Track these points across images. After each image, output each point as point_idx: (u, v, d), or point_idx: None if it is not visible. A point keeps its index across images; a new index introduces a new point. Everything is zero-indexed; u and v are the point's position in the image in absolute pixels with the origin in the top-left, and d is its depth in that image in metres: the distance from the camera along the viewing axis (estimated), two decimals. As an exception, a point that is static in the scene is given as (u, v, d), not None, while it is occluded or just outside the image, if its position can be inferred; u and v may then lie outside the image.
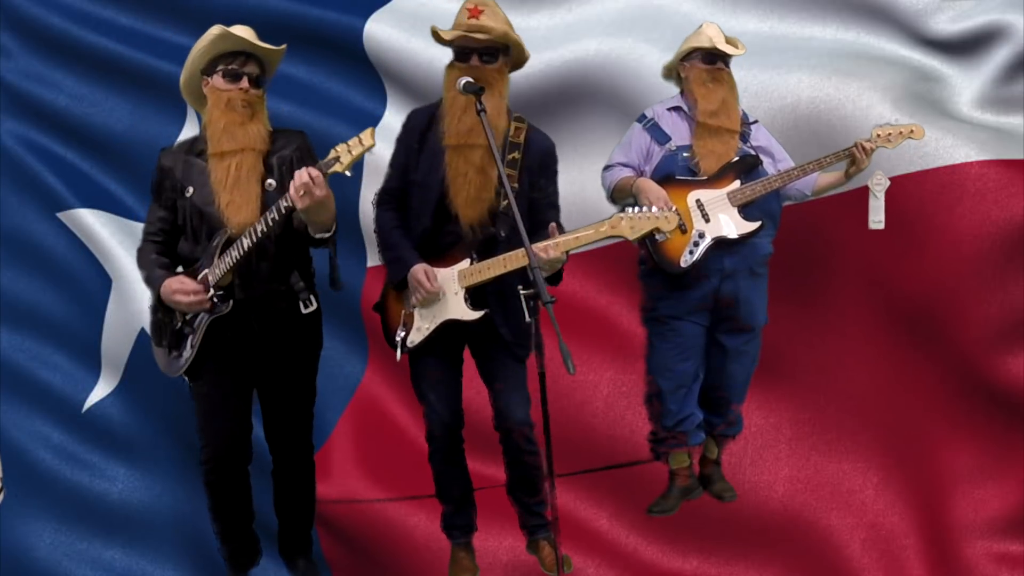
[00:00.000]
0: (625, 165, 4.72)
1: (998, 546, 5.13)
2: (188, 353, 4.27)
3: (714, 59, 4.69)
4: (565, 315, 3.95)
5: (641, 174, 4.62)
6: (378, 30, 5.25)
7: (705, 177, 4.61)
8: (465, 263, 4.18)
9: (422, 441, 4.48)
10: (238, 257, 4.14)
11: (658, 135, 4.69)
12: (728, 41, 4.72)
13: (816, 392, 5.25)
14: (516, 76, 5.21)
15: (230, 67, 4.25)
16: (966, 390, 5.15)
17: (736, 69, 4.98)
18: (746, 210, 4.63)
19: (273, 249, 4.19)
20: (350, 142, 4.00)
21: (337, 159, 3.99)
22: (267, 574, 4.78)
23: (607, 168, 4.76)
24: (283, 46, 4.36)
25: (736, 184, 4.63)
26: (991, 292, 5.09)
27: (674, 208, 4.56)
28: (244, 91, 4.24)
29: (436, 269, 4.18)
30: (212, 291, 4.18)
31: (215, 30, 4.26)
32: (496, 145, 4.01)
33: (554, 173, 4.33)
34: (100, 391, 5.32)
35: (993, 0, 5.31)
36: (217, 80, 4.26)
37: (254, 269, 4.19)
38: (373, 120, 5.17)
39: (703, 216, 4.61)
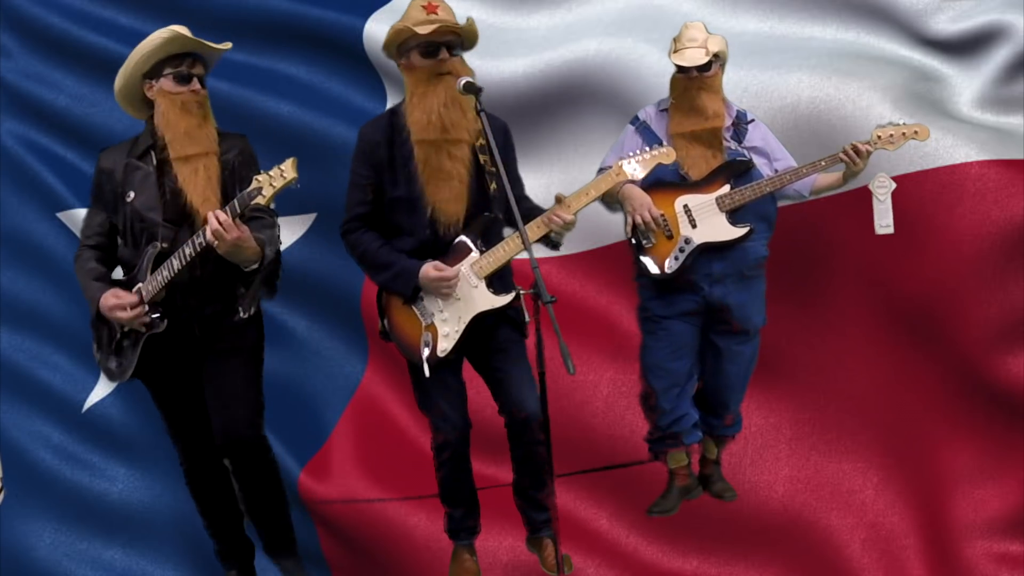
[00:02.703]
0: None
1: (998, 546, 5.13)
2: (129, 365, 4.24)
3: (684, 68, 4.60)
4: (565, 315, 3.96)
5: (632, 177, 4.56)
6: (378, 30, 5.24)
7: (694, 181, 4.55)
8: (474, 255, 4.17)
9: (422, 441, 4.47)
10: (170, 277, 4.10)
11: (649, 138, 4.62)
12: (709, 41, 4.59)
13: (816, 392, 5.25)
14: (516, 76, 5.26)
15: (179, 69, 4.19)
16: (966, 390, 5.15)
17: (736, 69, 4.98)
18: (736, 214, 4.56)
19: (214, 255, 4.10)
20: (272, 172, 3.95)
21: (259, 191, 3.94)
22: (266, 574, 4.79)
23: (600, 170, 4.72)
24: (227, 45, 4.30)
25: (726, 188, 4.56)
26: (991, 292, 5.09)
27: (662, 214, 4.55)
28: (195, 92, 4.19)
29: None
30: (147, 307, 4.14)
31: (164, 33, 4.19)
32: (492, 139, 4.00)
33: (513, 147, 4.33)
34: (100, 391, 5.32)
35: (993, 0, 5.31)
36: (166, 83, 4.20)
37: (197, 276, 4.14)
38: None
39: (690, 222, 4.57)
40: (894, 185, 4.69)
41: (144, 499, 5.25)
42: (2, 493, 5.07)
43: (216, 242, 3.97)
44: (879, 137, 4.57)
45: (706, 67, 4.59)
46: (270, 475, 4.44)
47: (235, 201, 3.99)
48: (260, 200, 3.93)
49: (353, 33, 5.32)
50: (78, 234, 5.30)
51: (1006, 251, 5.08)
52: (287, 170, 3.92)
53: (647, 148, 4.27)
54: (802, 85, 5.17)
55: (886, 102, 5.11)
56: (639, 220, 4.54)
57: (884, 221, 4.70)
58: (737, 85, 5.08)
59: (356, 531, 5.14)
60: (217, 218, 3.96)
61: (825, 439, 5.25)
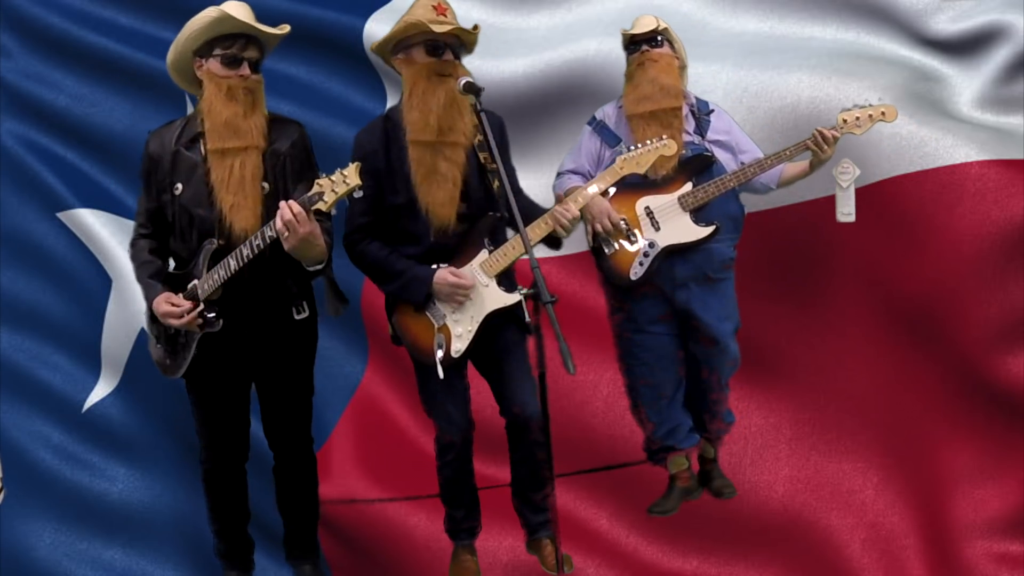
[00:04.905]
0: (575, 172, 4.58)
1: (998, 546, 5.13)
2: (183, 360, 4.20)
3: (637, 46, 4.53)
4: (565, 315, 3.96)
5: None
6: (378, 30, 5.23)
7: (656, 179, 4.42)
8: (483, 255, 4.17)
9: (422, 441, 4.47)
10: (226, 277, 4.01)
11: (608, 137, 4.54)
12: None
13: (816, 392, 5.25)
14: (516, 76, 5.26)
15: (229, 51, 4.01)
16: (966, 390, 5.15)
17: (736, 69, 4.98)
18: (699, 214, 4.47)
19: (268, 255, 4.03)
20: (334, 177, 3.80)
21: (321, 196, 3.80)
22: (267, 574, 4.79)
23: (558, 175, 4.63)
24: (285, 29, 4.16)
25: (687, 187, 4.46)
26: (991, 292, 5.09)
27: (623, 218, 4.45)
28: (244, 78, 4.03)
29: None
30: (203, 305, 4.07)
31: (212, 12, 4.03)
32: (492, 138, 3.98)
33: (508, 143, 4.29)
34: (100, 391, 5.32)
35: (993, 0, 5.31)
36: (214, 65, 4.05)
37: (247, 276, 4.05)
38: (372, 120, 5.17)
39: (653, 224, 4.48)
40: (858, 172, 4.60)
41: (144, 499, 5.24)
42: (2, 493, 5.06)
43: (286, 233, 3.82)
44: (845, 121, 4.48)
45: (654, 41, 4.51)
46: (313, 476, 4.49)
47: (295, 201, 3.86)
48: (321, 206, 3.79)
49: (353, 33, 5.32)
50: (78, 234, 5.33)
51: (1006, 251, 5.08)
52: (350, 176, 3.78)
53: (649, 141, 4.19)
54: (802, 85, 5.17)
55: (886, 102, 5.10)
56: (599, 228, 4.42)
57: (845, 209, 4.59)
58: (737, 85, 5.09)
59: (356, 531, 5.14)
60: (291, 208, 3.81)
61: (825, 439, 5.25)
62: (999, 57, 5.27)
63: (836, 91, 5.13)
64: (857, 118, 4.49)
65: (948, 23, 5.31)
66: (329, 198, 3.81)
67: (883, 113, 4.51)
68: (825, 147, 4.45)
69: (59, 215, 5.36)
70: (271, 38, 4.12)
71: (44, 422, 5.30)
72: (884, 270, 5.13)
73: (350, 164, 3.82)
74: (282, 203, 3.86)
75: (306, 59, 5.40)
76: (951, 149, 5.08)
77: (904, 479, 5.20)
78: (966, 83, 5.31)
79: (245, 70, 4.04)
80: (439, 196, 4.11)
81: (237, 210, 4.03)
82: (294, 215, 3.82)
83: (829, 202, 4.87)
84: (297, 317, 4.19)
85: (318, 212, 3.88)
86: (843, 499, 5.19)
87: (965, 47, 5.30)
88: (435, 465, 4.37)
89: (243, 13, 4.08)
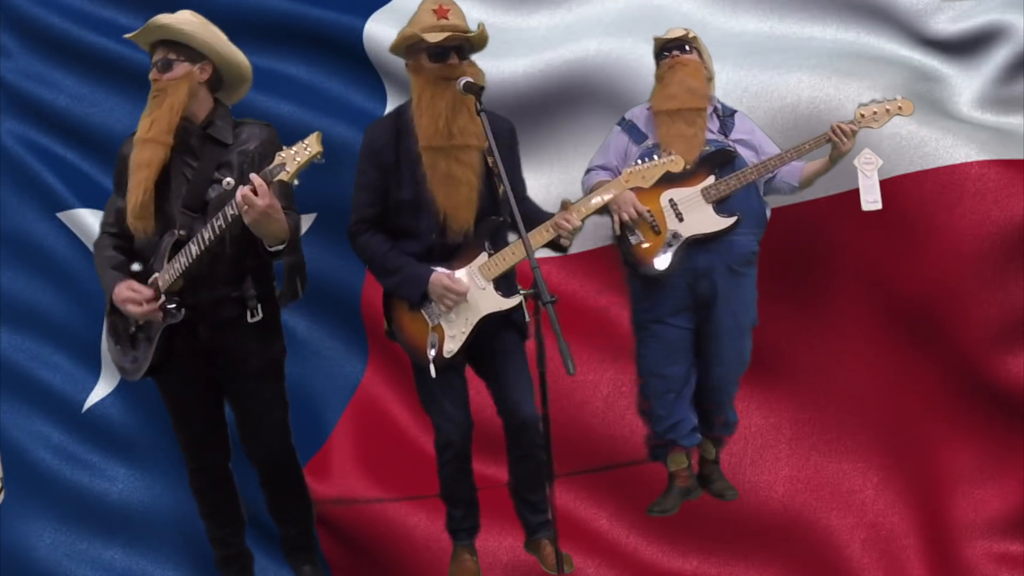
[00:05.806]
0: (603, 168, 4.67)
1: (998, 546, 5.13)
2: (144, 360, 4.15)
3: (668, 51, 4.64)
4: (565, 315, 3.96)
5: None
6: (378, 30, 5.25)
7: (678, 175, 4.44)
8: (482, 257, 4.17)
9: (422, 441, 4.47)
10: (187, 264, 3.98)
11: (635, 134, 4.64)
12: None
13: (816, 392, 5.25)
14: (516, 76, 5.26)
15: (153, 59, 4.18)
16: (966, 390, 5.15)
17: (736, 69, 4.98)
18: (721, 206, 4.55)
19: (228, 252, 4.03)
20: (295, 148, 3.80)
21: (283, 166, 3.80)
22: (267, 574, 4.79)
23: (587, 172, 4.72)
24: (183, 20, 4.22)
25: (710, 180, 4.55)
26: (991, 292, 5.09)
27: (648, 210, 4.55)
28: (154, 80, 4.15)
29: (452, 271, 4.17)
30: (163, 297, 4.04)
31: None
32: (493, 139, 3.97)
33: (518, 148, 4.32)
34: (100, 391, 5.31)
35: (993, 0, 5.31)
36: None
37: (205, 273, 4.03)
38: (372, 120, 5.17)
39: (676, 215, 4.55)
40: (880, 161, 4.64)
41: (144, 499, 5.24)
42: (2, 493, 5.06)
43: (246, 208, 3.81)
44: (862, 116, 4.54)
45: (684, 48, 4.61)
46: (300, 482, 4.47)
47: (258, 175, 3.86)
48: (284, 176, 3.79)
49: (353, 33, 5.32)
50: (78, 234, 5.33)
51: (1006, 251, 5.08)
52: (311, 144, 3.78)
53: (655, 156, 4.25)
54: (802, 85, 5.17)
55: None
56: (625, 217, 4.52)
57: (871, 197, 4.63)
58: (737, 85, 5.09)
59: (356, 531, 5.14)
60: (253, 180, 3.81)
61: (825, 439, 5.25)
62: (999, 57, 5.27)
63: (836, 91, 5.13)
64: (875, 112, 4.55)
65: (948, 23, 5.31)
66: (291, 167, 3.80)
67: (900, 107, 4.57)
68: (845, 139, 4.51)
69: (59, 215, 5.36)
70: (184, 36, 4.15)
71: (44, 422, 5.29)
72: (884, 270, 5.13)
73: (311, 134, 3.82)
74: (251, 175, 3.86)
75: (306, 59, 5.40)
76: (951, 149, 5.07)
77: (904, 479, 5.20)
78: (966, 83, 5.31)
79: (153, 73, 4.16)
80: (455, 200, 4.13)
81: (133, 209, 4.08)
82: (255, 187, 3.82)
83: (830, 202, 4.88)
84: (251, 320, 4.13)
85: (287, 206, 3.92)
86: (843, 499, 5.19)
87: (965, 47, 5.30)
88: (435, 465, 4.37)
89: (175, 18, 4.19)
